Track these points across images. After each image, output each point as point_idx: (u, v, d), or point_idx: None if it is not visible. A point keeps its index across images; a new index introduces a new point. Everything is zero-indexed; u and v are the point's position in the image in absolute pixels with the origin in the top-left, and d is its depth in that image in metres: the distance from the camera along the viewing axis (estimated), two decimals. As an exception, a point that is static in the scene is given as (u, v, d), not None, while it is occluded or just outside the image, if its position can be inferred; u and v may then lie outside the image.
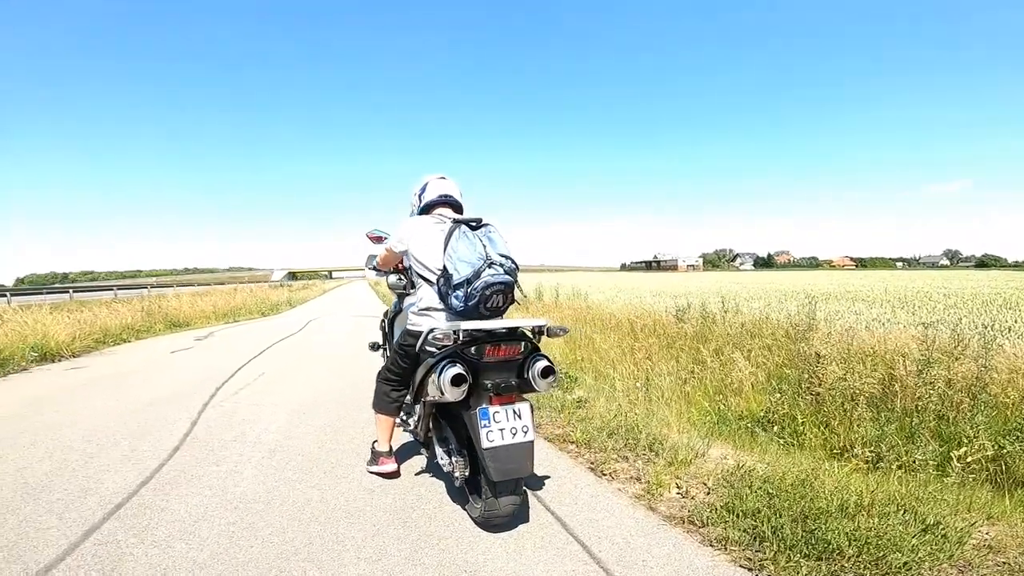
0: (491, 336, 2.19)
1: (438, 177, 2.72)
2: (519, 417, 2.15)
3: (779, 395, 4.11)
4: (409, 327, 2.50)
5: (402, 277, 3.05)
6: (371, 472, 2.85)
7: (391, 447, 2.81)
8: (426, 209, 2.65)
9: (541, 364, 2.20)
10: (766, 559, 1.96)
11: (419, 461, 3.08)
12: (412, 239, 2.49)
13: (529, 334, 2.32)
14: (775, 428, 3.83)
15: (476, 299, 2.18)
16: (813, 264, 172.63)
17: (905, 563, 1.87)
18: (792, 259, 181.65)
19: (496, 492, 2.13)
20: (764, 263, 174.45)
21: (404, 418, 2.91)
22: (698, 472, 2.77)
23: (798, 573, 1.88)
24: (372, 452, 2.88)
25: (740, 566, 1.97)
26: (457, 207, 2.69)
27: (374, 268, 3.12)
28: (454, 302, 2.22)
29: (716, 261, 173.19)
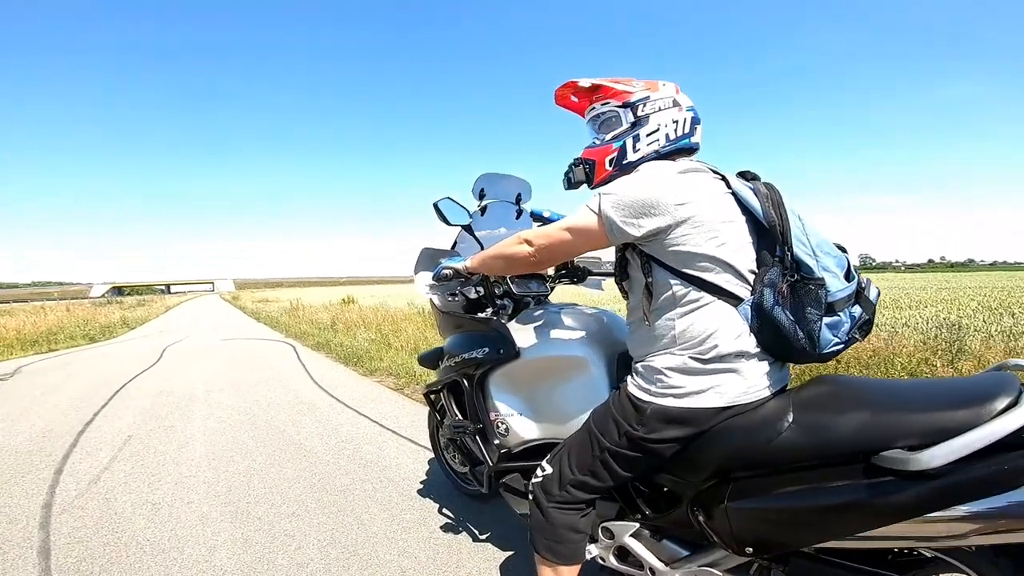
0: None
1: (677, 90, 1.33)
2: None
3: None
4: (678, 403, 1.13)
5: (479, 289, 1.72)
6: None
7: None
8: (664, 155, 1.28)
9: None
10: None
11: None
12: (695, 204, 1.11)
13: None
14: None
15: (867, 326, 1.14)
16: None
17: None
18: None
19: None
20: None
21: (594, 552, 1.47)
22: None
23: None
24: None
25: None
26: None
27: (445, 277, 1.53)
28: (827, 337, 1.07)
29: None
